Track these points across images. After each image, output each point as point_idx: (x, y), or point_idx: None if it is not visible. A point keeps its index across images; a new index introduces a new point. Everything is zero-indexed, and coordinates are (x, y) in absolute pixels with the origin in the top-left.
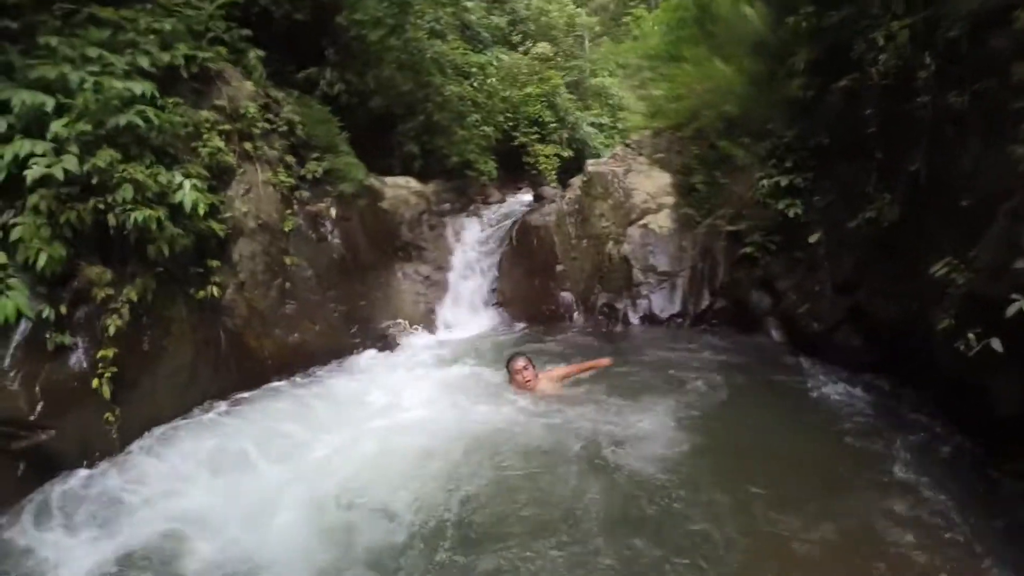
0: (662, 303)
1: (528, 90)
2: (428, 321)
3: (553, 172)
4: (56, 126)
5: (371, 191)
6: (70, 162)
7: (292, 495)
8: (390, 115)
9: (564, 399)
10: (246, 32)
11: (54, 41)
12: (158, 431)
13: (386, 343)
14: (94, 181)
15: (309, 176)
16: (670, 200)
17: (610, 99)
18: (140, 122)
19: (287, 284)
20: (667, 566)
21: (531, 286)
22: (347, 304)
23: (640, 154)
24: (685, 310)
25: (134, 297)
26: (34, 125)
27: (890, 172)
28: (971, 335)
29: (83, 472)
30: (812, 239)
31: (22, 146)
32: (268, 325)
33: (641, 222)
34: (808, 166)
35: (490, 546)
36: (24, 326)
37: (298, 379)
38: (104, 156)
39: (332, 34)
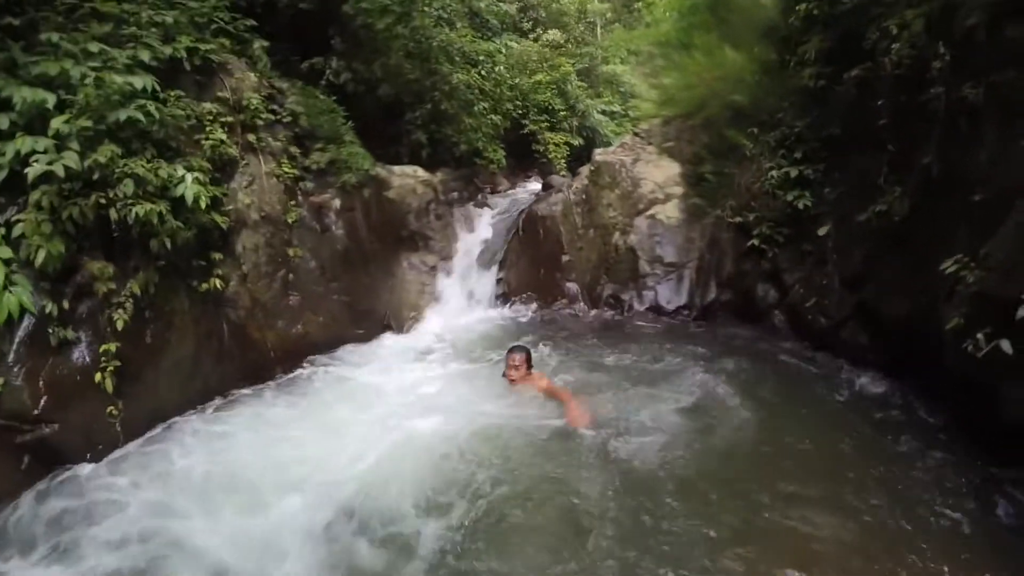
0: (668, 295)
1: (538, 77)
2: (433, 311)
3: (563, 160)
4: (57, 122)
5: (378, 181)
6: (71, 158)
7: (290, 485)
8: (398, 103)
9: (571, 393)
10: (250, 22)
11: (56, 37)
12: (160, 424)
13: (390, 334)
14: (95, 176)
15: (313, 167)
16: (679, 190)
17: (621, 86)
18: (141, 117)
19: (290, 276)
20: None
21: (537, 276)
22: (351, 295)
23: (649, 143)
24: (692, 302)
25: (137, 291)
26: (36, 121)
27: (902, 165)
28: (980, 335)
29: (87, 465)
30: (821, 232)
31: (24, 143)
32: (271, 317)
33: (649, 212)
34: (819, 157)
35: (492, 545)
36: (27, 321)
37: (300, 371)
38: (105, 151)
39: (338, 22)
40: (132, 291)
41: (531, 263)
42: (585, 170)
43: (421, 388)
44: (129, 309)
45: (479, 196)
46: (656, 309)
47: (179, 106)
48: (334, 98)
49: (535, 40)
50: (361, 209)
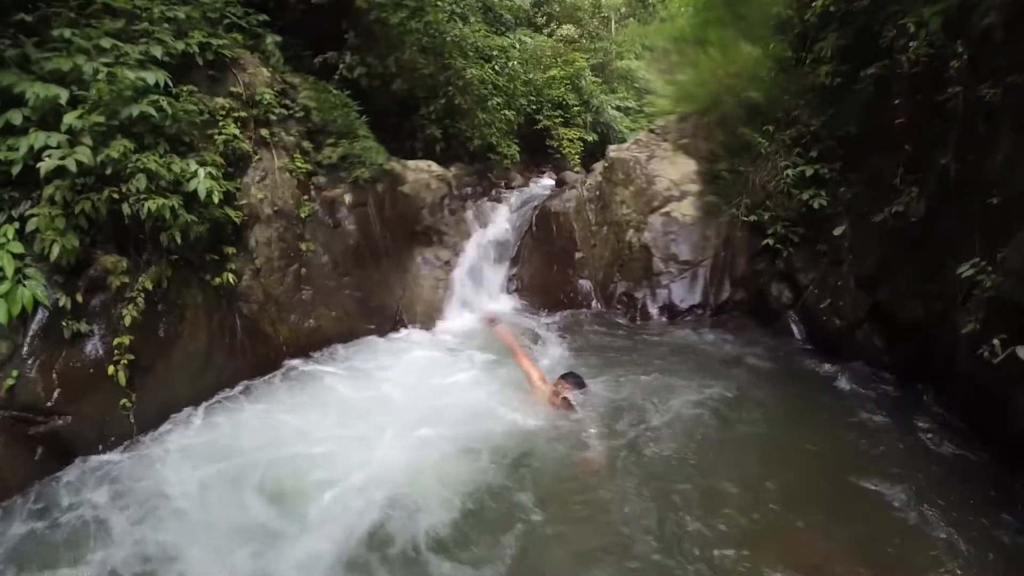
0: (682, 293)
1: (552, 73)
2: (445, 306)
3: (577, 156)
4: (70, 118)
5: (392, 175)
6: (83, 153)
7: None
8: (412, 98)
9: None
10: (263, 17)
11: (68, 33)
12: (172, 416)
13: (402, 329)
14: (108, 171)
15: (325, 162)
16: (694, 188)
17: (636, 82)
18: (153, 112)
19: (303, 270)
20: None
21: (549, 273)
22: (363, 290)
23: (664, 140)
24: (705, 301)
25: (149, 285)
26: (49, 117)
27: (918, 165)
28: (996, 341)
29: (99, 456)
30: (837, 232)
31: (37, 138)
32: (284, 311)
33: (663, 210)
34: (834, 156)
35: (510, 541)
36: (41, 315)
37: (312, 365)
38: (117, 147)
39: (351, 17)
40: (144, 285)
41: (544, 260)
42: (599, 166)
43: (434, 383)
44: (141, 303)
45: (493, 191)
46: (669, 308)
47: (192, 101)
48: (348, 93)
49: (549, 35)
50: (374, 204)
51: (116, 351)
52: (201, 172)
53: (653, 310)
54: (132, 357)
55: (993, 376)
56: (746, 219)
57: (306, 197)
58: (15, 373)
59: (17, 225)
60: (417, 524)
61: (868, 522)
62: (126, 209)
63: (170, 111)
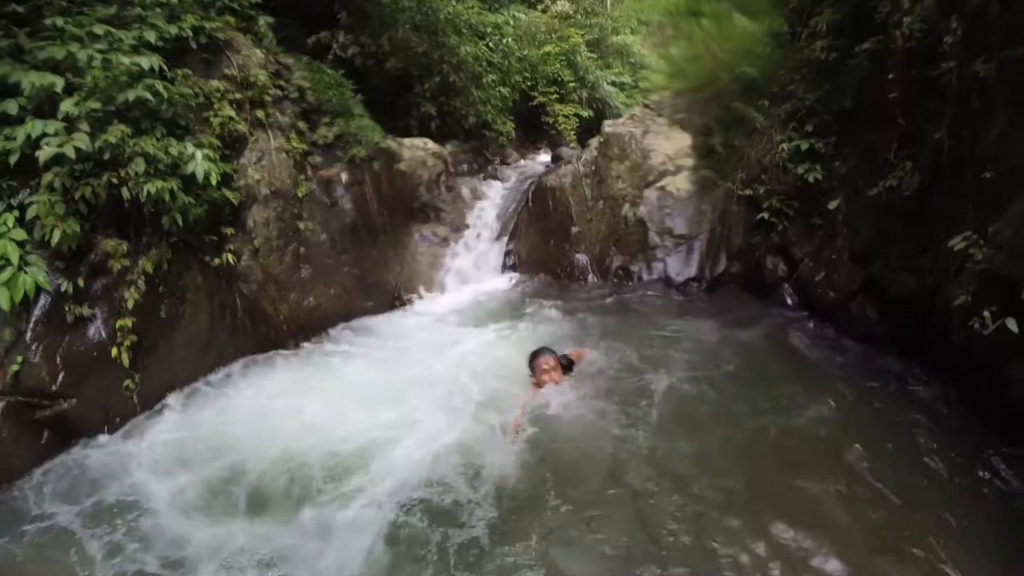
0: (678, 267)
1: (547, 49)
2: (443, 282)
3: (572, 132)
4: (66, 105)
5: (388, 153)
6: (81, 140)
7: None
8: (406, 76)
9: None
10: None
11: (61, 21)
12: (174, 395)
13: (401, 304)
14: (106, 156)
15: (320, 141)
16: (689, 162)
17: (632, 57)
18: (149, 96)
19: (301, 249)
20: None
21: (546, 248)
22: (362, 267)
23: (659, 115)
24: (701, 274)
25: (150, 268)
26: (45, 105)
27: (912, 140)
28: (987, 313)
29: (103, 438)
30: (831, 206)
31: (34, 126)
32: (283, 290)
33: (658, 184)
34: (829, 130)
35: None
36: (43, 300)
37: (313, 343)
38: (115, 132)
39: None
40: (145, 268)
41: (540, 235)
42: (594, 142)
43: (431, 358)
44: (142, 285)
45: (489, 168)
46: (665, 281)
47: (187, 85)
48: (342, 72)
49: (543, 11)
50: (371, 182)
51: (119, 333)
52: (199, 154)
53: (649, 283)
54: (135, 338)
55: (984, 347)
56: (742, 193)
57: (303, 177)
58: (19, 359)
59: (17, 213)
60: (412, 494)
61: (860, 484)
62: (125, 193)
63: (166, 95)
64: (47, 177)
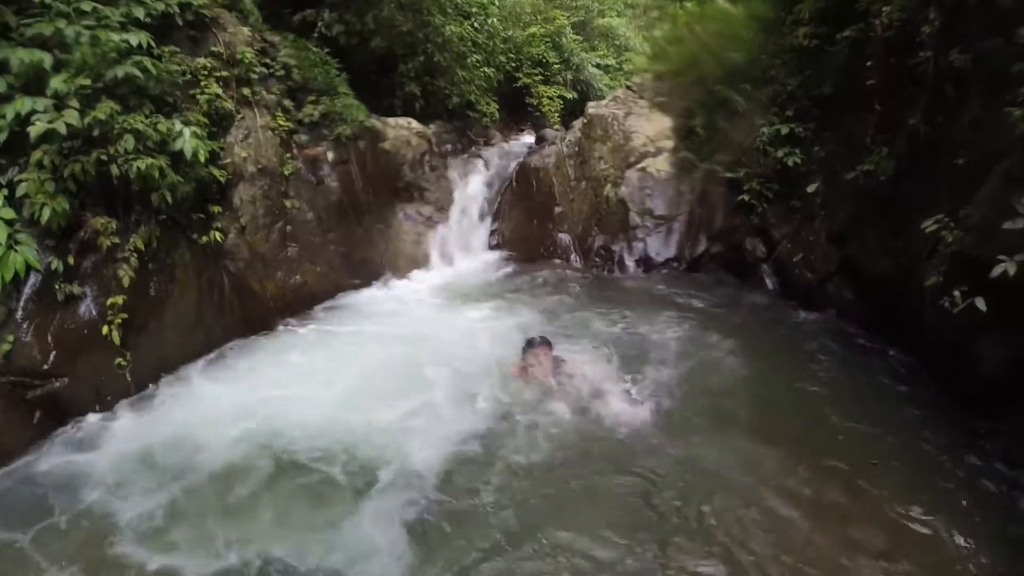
0: (658, 247)
1: (532, 30)
2: (427, 260)
3: (556, 114)
4: (55, 82)
5: (372, 132)
6: (71, 116)
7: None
8: (391, 56)
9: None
10: None
11: None
12: (165, 374)
13: (386, 282)
14: (95, 133)
15: (306, 120)
16: (669, 144)
17: (617, 40)
18: (138, 73)
19: (288, 227)
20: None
21: (530, 227)
22: (347, 245)
23: (642, 97)
24: (681, 254)
25: (140, 245)
26: (33, 82)
27: (889, 126)
28: (956, 293)
29: (95, 416)
30: (810, 189)
31: (23, 104)
32: (270, 268)
33: (640, 165)
34: (810, 115)
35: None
36: (34, 279)
37: (299, 320)
38: (104, 108)
39: None
40: (136, 245)
41: (524, 214)
42: (578, 123)
43: (417, 336)
44: (134, 263)
45: (472, 148)
46: (645, 260)
47: (174, 62)
48: (327, 51)
49: None
50: (356, 161)
51: (110, 311)
52: (186, 132)
53: (630, 263)
54: (125, 316)
55: (954, 326)
56: (724, 175)
57: (289, 155)
58: (11, 338)
59: (6, 192)
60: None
61: (837, 456)
62: (115, 170)
63: (154, 72)
64: (36, 155)
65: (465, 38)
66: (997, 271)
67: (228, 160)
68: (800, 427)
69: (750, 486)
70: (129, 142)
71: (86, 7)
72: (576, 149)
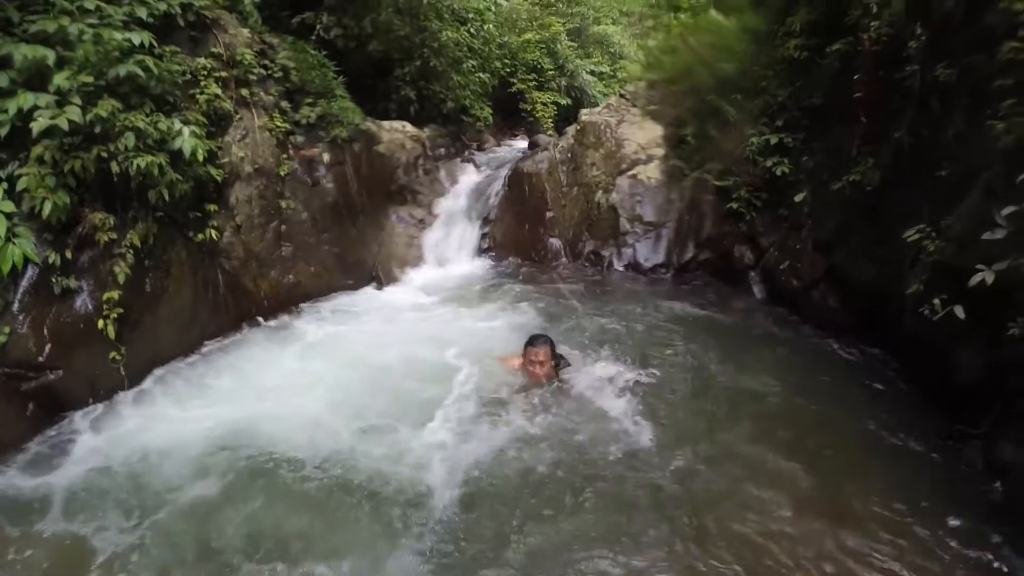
0: (647, 252)
1: (527, 36)
2: (420, 262)
3: (550, 120)
4: (58, 78)
5: (367, 135)
6: (74, 113)
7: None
8: (387, 59)
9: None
10: None
11: None
12: (159, 369)
13: (378, 284)
14: (96, 130)
15: (303, 121)
16: (660, 151)
17: (611, 47)
18: (140, 72)
19: (283, 227)
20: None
21: (521, 232)
22: (341, 246)
23: (634, 105)
24: (669, 260)
25: (137, 241)
26: (36, 78)
27: (876, 138)
28: (936, 301)
29: (89, 409)
30: (797, 198)
31: (25, 99)
32: (264, 267)
33: (631, 172)
34: (799, 126)
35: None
36: (31, 272)
37: (292, 319)
38: (106, 106)
39: None
40: (133, 241)
41: (516, 219)
42: (571, 129)
43: (403, 334)
44: (130, 259)
45: (466, 153)
46: (635, 266)
47: (175, 61)
48: (324, 53)
49: None
50: (351, 163)
51: (105, 306)
52: (186, 131)
53: (619, 268)
54: (121, 311)
55: (935, 333)
56: (713, 183)
57: (285, 156)
58: (7, 330)
59: (6, 186)
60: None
61: (821, 459)
62: (114, 167)
63: (156, 71)
64: (37, 150)
65: (461, 43)
66: (975, 280)
67: (225, 160)
68: (779, 429)
69: (749, 488)
70: (130, 140)
71: (90, 5)
72: (569, 155)
